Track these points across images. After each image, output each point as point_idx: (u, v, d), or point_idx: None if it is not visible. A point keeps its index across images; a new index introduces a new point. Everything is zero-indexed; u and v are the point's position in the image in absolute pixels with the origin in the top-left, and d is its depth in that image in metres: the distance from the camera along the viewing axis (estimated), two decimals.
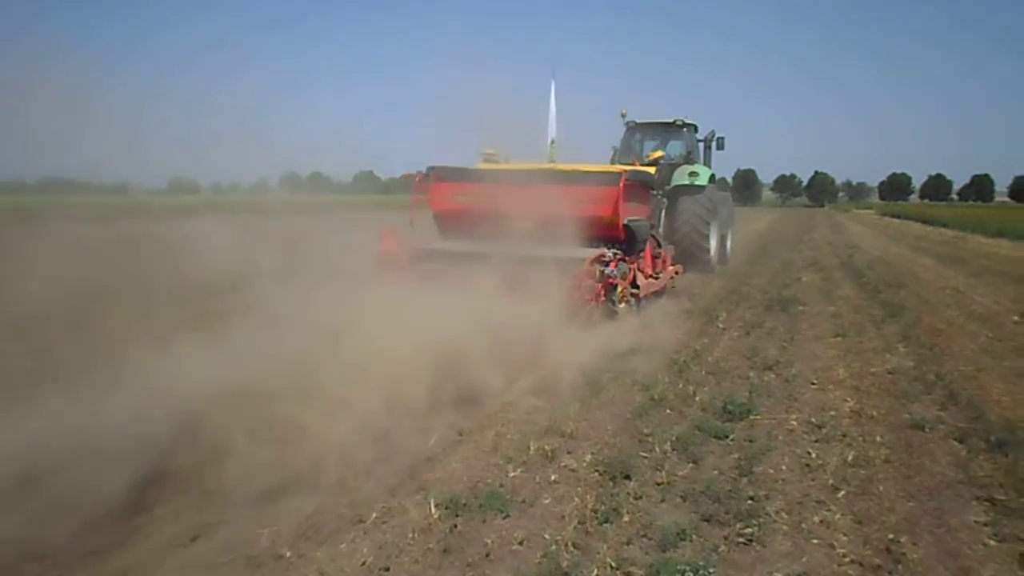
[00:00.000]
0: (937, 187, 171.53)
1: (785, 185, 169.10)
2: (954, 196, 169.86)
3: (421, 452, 6.52)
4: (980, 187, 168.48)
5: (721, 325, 12.76)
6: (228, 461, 5.46)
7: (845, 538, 5.09)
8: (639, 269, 12.59)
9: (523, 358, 8.56)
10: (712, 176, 19.93)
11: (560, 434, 7.02)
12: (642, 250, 13.13)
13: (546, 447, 6.58)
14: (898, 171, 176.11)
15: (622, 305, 11.45)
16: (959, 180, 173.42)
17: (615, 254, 11.46)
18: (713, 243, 19.51)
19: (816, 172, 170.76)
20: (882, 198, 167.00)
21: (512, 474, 6.05)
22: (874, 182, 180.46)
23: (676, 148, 20.00)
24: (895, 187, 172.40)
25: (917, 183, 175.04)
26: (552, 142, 15.55)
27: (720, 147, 21.39)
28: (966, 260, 26.76)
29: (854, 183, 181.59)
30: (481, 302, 8.82)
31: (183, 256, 10.48)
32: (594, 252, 11.19)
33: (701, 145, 21.05)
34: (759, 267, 22.25)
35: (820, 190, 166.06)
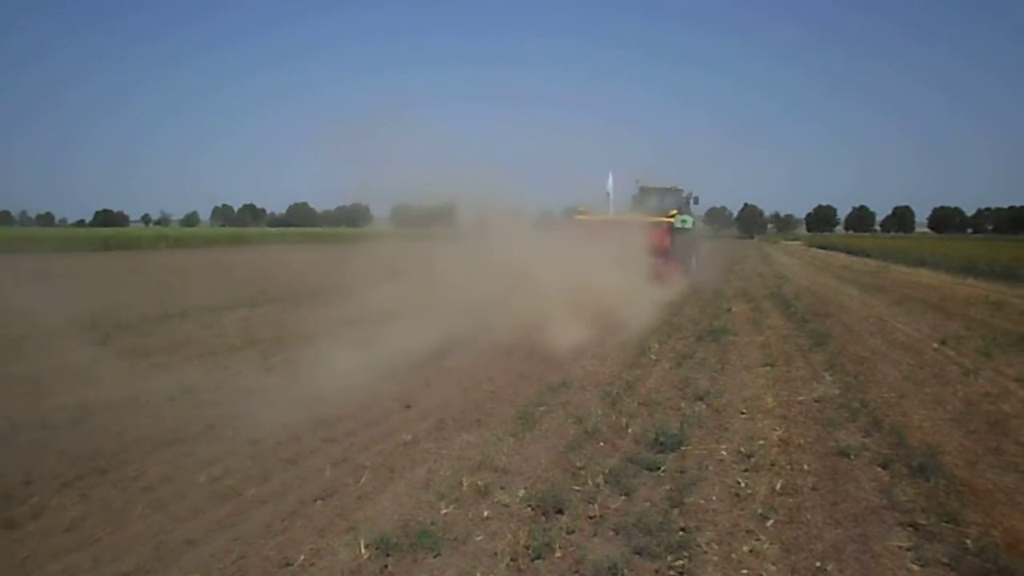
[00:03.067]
0: (861, 218, 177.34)
1: (716, 216, 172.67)
2: (877, 227, 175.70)
3: (351, 491, 6.40)
4: (901, 218, 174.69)
5: (653, 356, 12.89)
6: None
7: (773, 567, 5.15)
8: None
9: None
10: (692, 222, 30.07)
11: (493, 469, 6.97)
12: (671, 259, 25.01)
13: (479, 482, 6.53)
14: (824, 203, 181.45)
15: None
16: (881, 211, 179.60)
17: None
18: (693, 262, 29.57)
19: (745, 204, 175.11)
20: (809, 229, 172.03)
21: (444, 511, 5.98)
22: (801, 214, 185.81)
23: (671, 203, 28.91)
24: (821, 219, 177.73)
25: (842, 215, 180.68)
26: (608, 194, 26.24)
27: (696, 203, 31.34)
28: (888, 289, 27.65)
29: (782, 215, 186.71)
30: None
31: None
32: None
33: (685, 200, 30.39)
34: (691, 297, 22.58)
35: (750, 222, 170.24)
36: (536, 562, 5.13)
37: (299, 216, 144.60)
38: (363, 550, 5.18)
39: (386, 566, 5.02)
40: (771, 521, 5.90)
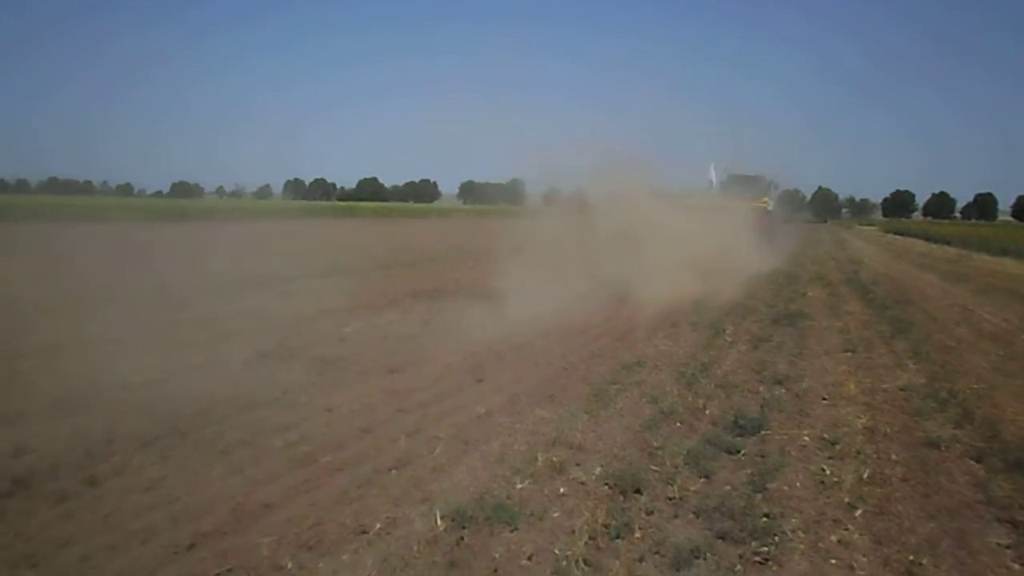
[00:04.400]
0: (940, 205, 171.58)
1: (789, 199, 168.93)
2: (957, 214, 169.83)
3: (426, 462, 6.35)
4: (983, 206, 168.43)
5: (728, 338, 12.60)
6: None
7: (864, 559, 4.92)
8: None
9: None
10: (772, 204, 34.24)
11: (568, 446, 6.85)
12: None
13: (554, 459, 6.42)
14: (902, 188, 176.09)
15: None
16: (962, 198, 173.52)
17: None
18: (778, 239, 33.08)
19: (820, 188, 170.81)
20: (885, 215, 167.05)
21: (520, 486, 5.87)
22: (877, 199, 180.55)
23: (755, 189, 32.39)
24: (898, 204, 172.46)
25: (920, 201, 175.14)
26: (711, 181, 31.26)
27: (776, 189, 36.29)
28: (971, 278, 26.63)
29: (857, 199, 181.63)
30: None
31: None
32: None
33: (767, 186, 34.43)
34: (765, 280, 22.07)
35: (824, 206, 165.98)
36: (615, 541, 4.99)
37: (368, 191, 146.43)
38: (439, 521, 5.11)
39: (462, 538, 4.94)
40: (859, 511, 5.65)
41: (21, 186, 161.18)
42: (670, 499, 5.75)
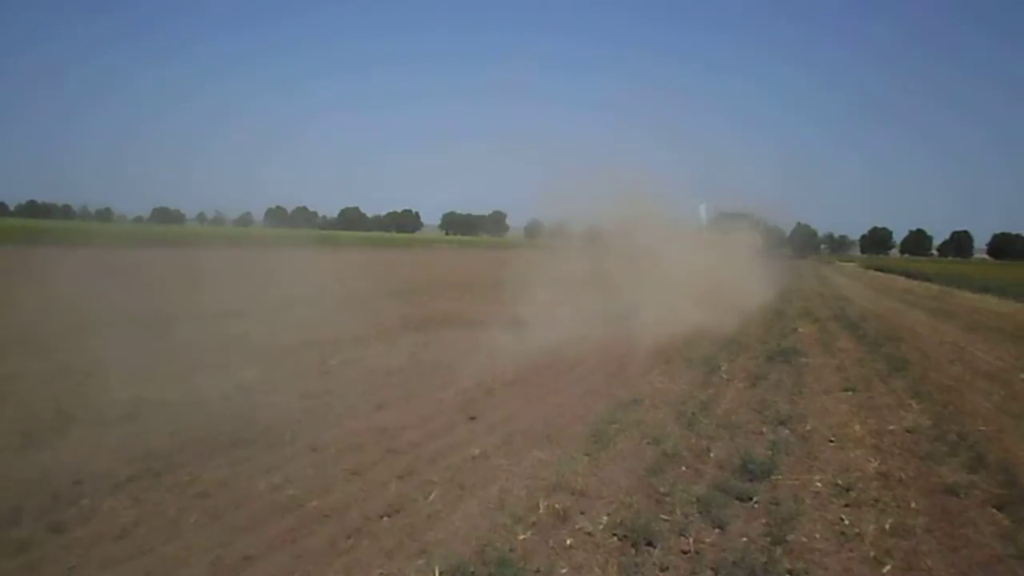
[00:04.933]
0: (917, 242, 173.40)
1: (771, 236, 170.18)
2: (934, 251, 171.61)
3: (420, 508, 5.91)
4: (960, 243, 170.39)
5: (724, 375, 12.26)
6: None
7: None
8: None
9: None
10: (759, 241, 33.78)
11: (570, 491, 6.43)
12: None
13: (556, 506, 6.00)
14: (879, 225, 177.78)
15: None
16: (939, 235, 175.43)
17: None
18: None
19: (798, 223, 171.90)
20: (863, 251, 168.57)
21: (522, 536, 5.45)
22: (855, 235, 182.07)
23: (744, 225, 31.81)
24: (876, 241, 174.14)
25: (898, 237, 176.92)
26: (701, 219, 30.84)
27: (761, 225, 35.68)
28: (957, 315, 26.58)
29: (836, 236, 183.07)
30: None
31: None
32: None
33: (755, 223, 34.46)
34: (754, 316, 21.81)
35: (803, 242, 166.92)
36: None
37: (350, 220, 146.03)
38: None
39: None
40: (887, 567, 5.28)
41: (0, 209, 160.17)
42: (684, 552, 5.35)
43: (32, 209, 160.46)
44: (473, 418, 8.79)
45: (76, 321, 13.94)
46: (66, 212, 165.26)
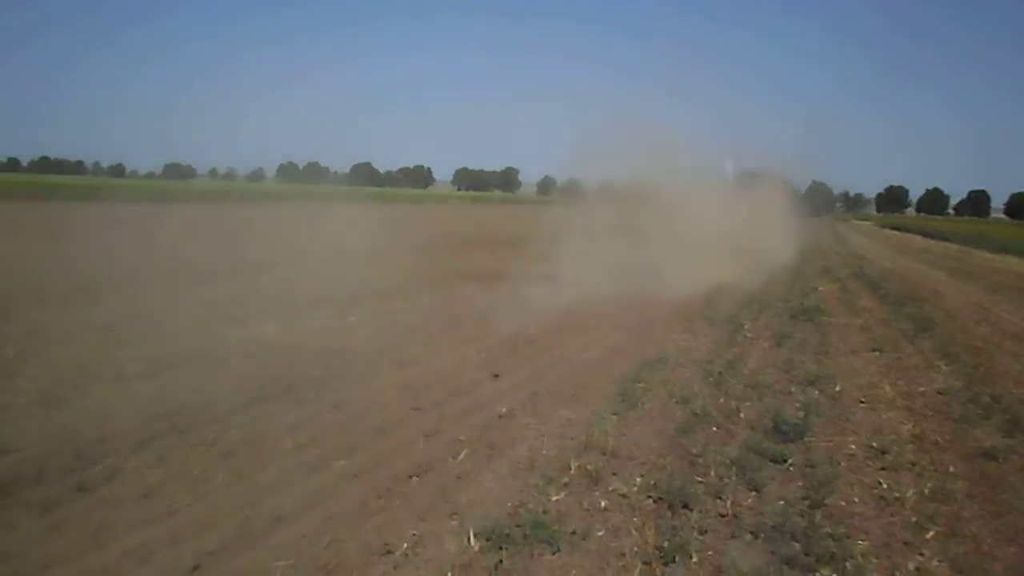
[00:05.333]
0: (934, 201, 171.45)
1: (788, 193, 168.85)
2: (950, 211, 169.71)
3: (450, 468, 5.79)
4: (977, 203, 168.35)
5: (748, 334, 12.07)
6: None
7: None
8: None
9: None
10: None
11: (600, 451, 6.30)
12: None
13: (588, 466, 5.87)
14: (895, 184, 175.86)
15: None
16: (955, 195, 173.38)
17: None
18: None
19: (813, 182, 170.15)
20: (879, 210, 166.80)
21: (555, 497, 5.32)
22: (870, 193, 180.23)
23: (766, 183, 31.37)
24: (892, 199, 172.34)
25: (914, 196, 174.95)
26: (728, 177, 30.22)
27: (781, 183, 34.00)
28: (979, 275, 26.23)
29: (851, 194, 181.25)
30: None
31: None
32: None
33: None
34: (774, 274, 21.55)
35: (818, 200, 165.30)
36: (670, 567, 4.45)
37: (362, 175, 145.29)
38: (472, 540, 4.56)
39: (500, 561, 4.37)
40: (931, 532, 5.12)
41: (12, 164, 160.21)
42: (722, 516, 5.21)
43: (45, 165, 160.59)
44: (497, 376, 8.66)
45: (94, 277, 13.88)
46: (78, 168, 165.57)
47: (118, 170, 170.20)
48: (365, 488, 5.34)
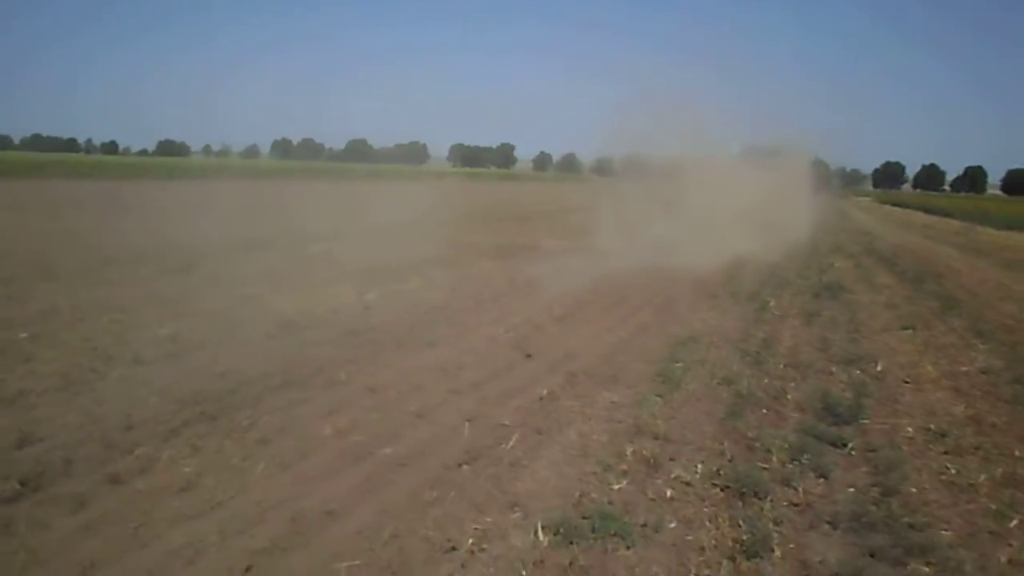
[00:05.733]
0: (930, 177, 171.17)
1: (795, 171, 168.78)
2: (946, 187, 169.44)
3: (500, 455, 5.49)
4: (973, 179, 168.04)
5: (775, 312, 11.78)
6: None
7: None
8: None
9: None
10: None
11: (652, 436, 6.01)
12: None
13: (644, 452, 5.59)
14: (891, 160, 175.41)
15: None
16: (951, 171, 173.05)
17: None
18: None
19: (815, 158, 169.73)
20: (875, 186, 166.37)
21: (617, 486, 5.03)
22: (867, 170, 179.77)
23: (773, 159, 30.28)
24: (889, 175, 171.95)
25: (911, 172, 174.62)
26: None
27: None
28: (988, 252, 25.99)
29: (848, 170, 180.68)
30: None
31: None
32: None
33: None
34: (788, 250, 21.24)
35: (819, 177, 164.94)
36: (754, 561, 4.16)
37: (357, 152, 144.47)
38: (540, 535, 4.27)
39: (575, 559, 4.08)
40: (1014, 522, 4.84)
41: (5, 142, 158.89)
42: (795, 505, 4.93)
43: (37, 142, 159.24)
44: (529, 356, 8.37)
45: (99, 254, 13.54)
46: (71, 146, 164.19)
47: (111, 147, 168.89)
48: (415, 478, 5.04)
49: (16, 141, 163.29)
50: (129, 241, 15.56)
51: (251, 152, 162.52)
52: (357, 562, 3.93)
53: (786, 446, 5.88)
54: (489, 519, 4.49)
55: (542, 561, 4.04)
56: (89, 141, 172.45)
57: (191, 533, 4.18)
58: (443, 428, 5.99)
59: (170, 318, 9.10)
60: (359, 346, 8.31)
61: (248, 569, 3.87)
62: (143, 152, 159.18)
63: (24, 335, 8.19)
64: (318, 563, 3.92)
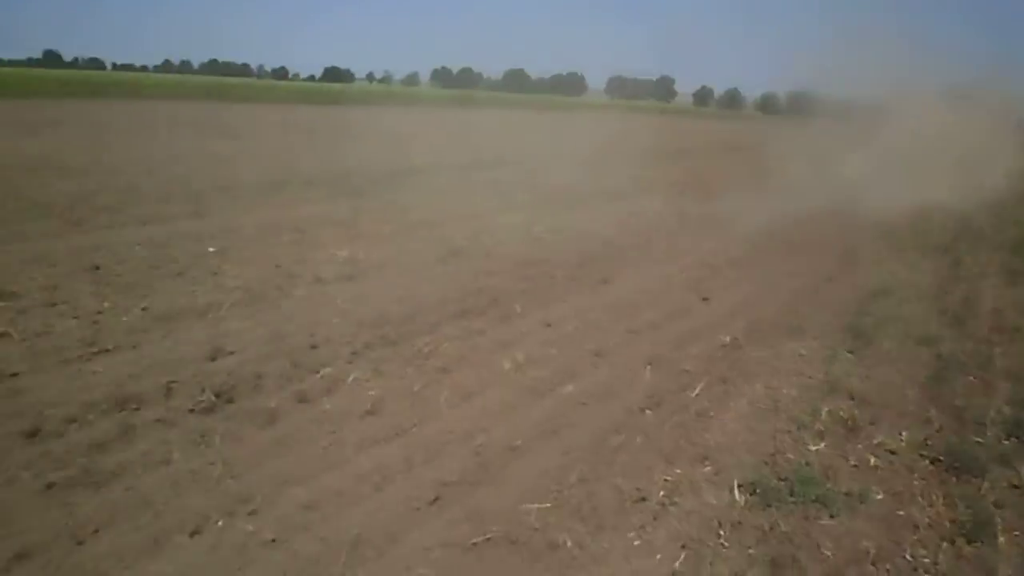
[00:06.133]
0: None
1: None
2: None
3: (684, 403, 5.24)
4: None
5: (973, 268, 10.78)
6: None
7: None
8: None
9: None
10: None
11: (848, 395, 5.59)
12: None
13: (841, 413, 5.19)
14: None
15: None
16: None
17: None
18: None
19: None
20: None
21: (814, 448, 4.69)
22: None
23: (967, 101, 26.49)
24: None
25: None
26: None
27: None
28: None
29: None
30: None
31: None
32: None
33: None
34: (979, 199, 19.53)
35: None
36: (975, 546, 3.76)
37: (514, 82, 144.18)
38: (736, 493, 4.02)
39: (776, 523, 3.81)
40: None
41: (184, 66, 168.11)
42: (1015, 487, 4.43)
43: (214, 67, 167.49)
44: (706, 299, 8.01)
45: (272, 177, 14.00)
46: (244, 71, 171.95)
47: (281, 73, 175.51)
48: (598, 419, 4.87)
49: (195, 65, 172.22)
50: (300, 164, 16.04)
51: (411, 80, 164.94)
52: (547, 504, 3.81)
53: (1001, 419, 5.32)
54: (679, 470, 4.27)
55: (740, 523, 3.80)
56: (261, 67, 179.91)
57: (379, 458, 4.19)
58: (623, 369, 5.80)
59: (346, 240, 9.28)
60: (531, 278, 8.19)
61: (435, 500, 3.84)
62: (311, 78, 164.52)
63: (212, 249, 8.54)
64: (507, 502, 3.83)
